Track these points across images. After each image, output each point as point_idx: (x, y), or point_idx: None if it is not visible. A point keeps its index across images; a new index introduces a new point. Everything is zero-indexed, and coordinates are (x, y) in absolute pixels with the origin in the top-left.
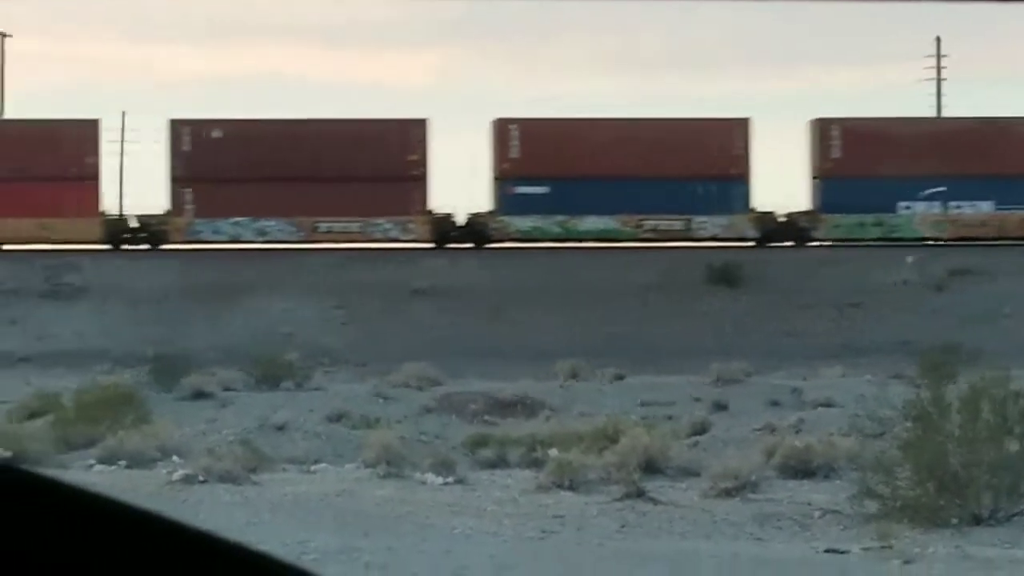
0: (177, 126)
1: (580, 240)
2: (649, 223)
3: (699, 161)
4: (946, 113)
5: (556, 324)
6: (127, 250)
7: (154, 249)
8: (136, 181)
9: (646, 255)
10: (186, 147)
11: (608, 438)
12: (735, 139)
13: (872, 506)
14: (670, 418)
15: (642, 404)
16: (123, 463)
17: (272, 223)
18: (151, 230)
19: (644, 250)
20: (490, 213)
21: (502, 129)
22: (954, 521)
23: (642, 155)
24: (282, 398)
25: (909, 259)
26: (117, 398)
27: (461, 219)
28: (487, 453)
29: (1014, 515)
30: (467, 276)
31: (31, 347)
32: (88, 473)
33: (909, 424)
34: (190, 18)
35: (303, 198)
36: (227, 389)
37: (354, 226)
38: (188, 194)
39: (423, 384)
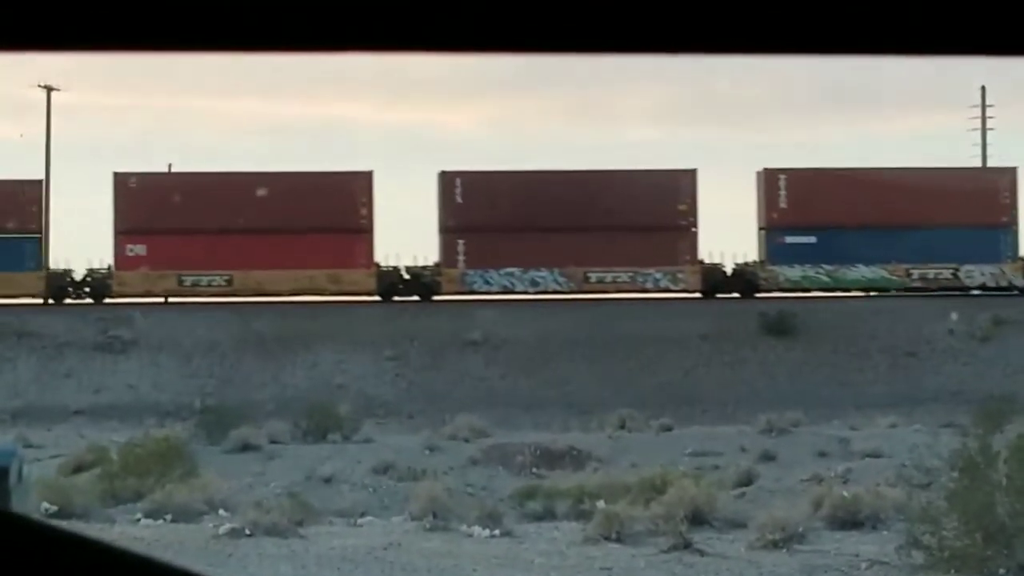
0: (449, 177)
1: (847, 289)
2: (917, 272)
3: (967, 209)
4: None
5: (606, 375)
6: (180, 303)
7: (424, 301)
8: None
9: (698, 304)
10: (458, 198)
11: (655, 489)
12: (1001, 188)
13: (919, 557)
14: (717, 468)
15: (691, 455)
16: (169, 517)
17: (543, 274)
18: (423, 281)
19: (696, 300)
20: (759, 263)
21: (770, 179)
22: (1001, 572)
23: (909, 203)
24: (329, 450)
25: (953, 316)
26: (165, 451)
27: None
28: (534, 505)
29: None
30: (518, 327)
31: (86, 400)
32: (135, 527)
33: (956, 474)
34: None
35: (573, 248)
36: (274, 441)
37: (624, 276)
38: (460, 245)
39: (472, 436)
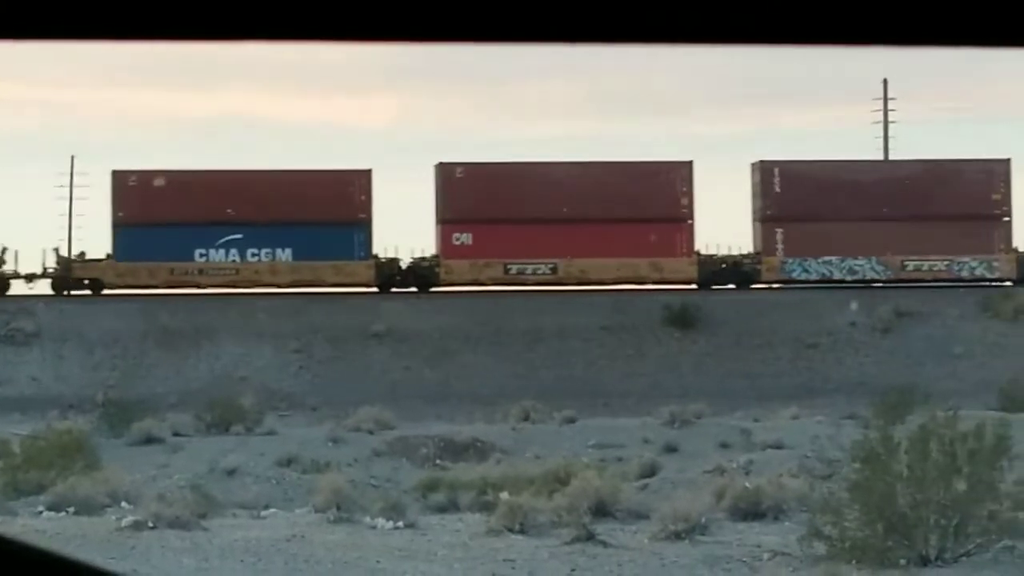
0: (768, 167)
1: None
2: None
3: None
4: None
5: (509, 367)
6: (78, 295)
7: (740, 289)
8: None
9: (599, 297)
10: (777, 188)
11: (559, 481)
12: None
13: (821, 547)
14: (620, 460)
15: (594, 446)
16: (72, 510)
17: (861, 262)
18: (743, 269)
19: (598, 293)
20: None
21: None
22: (902, 562)
23: None
24: (233, 443)
25: (853, 305)
26: (68, 444)
27: None
28: (438, 497)
29: (961, 555)
30: (422, 320)
31: None
32: (37, 520)
33: (857, 465)
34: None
35: (891, 237)
36: (177, 434)
37: (940, 264)
38: (779, 233)
39: (375, 428)
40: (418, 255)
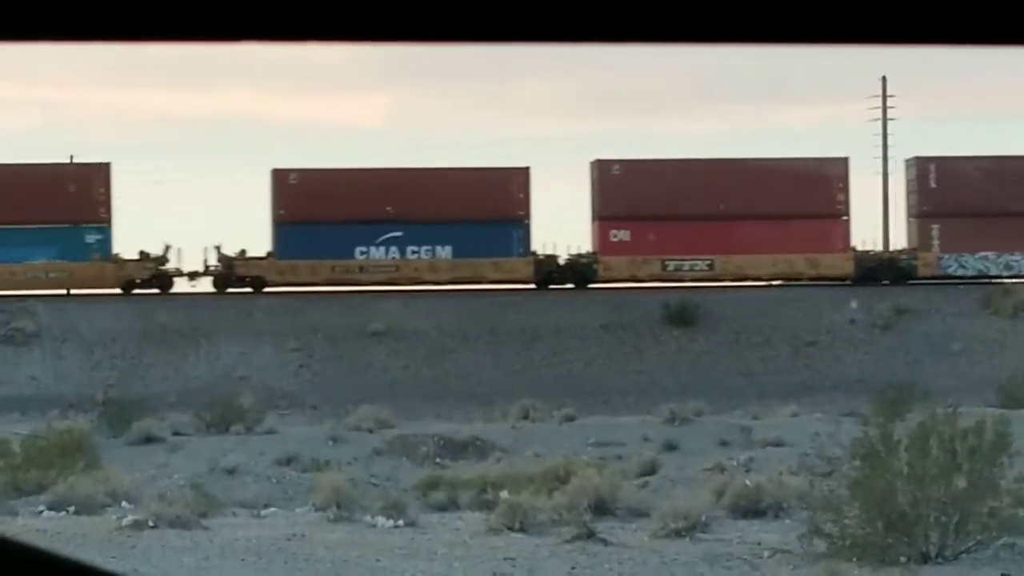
0: (924, 163)
1: None
2: None
3: None
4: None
5: (508, 365)
6: (80, 294)
7: (898, 283)
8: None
9: (598, 295)
10: (932, 184)
11: (559, 479)
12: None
13: (821, 545)
14: (620, 458)
15: (594, 444)
16: (72, 509)
17: (1018, 257)
18: (899, 265)
19: (597, 291)
20: None
21: None
22: (902, 559)
23: None
24: (232, 442)
25: (853, 303)
26: (68, 443)
27: None
28: (438, 495)
29: (961, 553)
30: (420, 319)
31: None
32: (37, 519)
33: (857, 462)
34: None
35: None
36: (178, 433)
37: None
38: (934, 230)
39: (375, 426)
40: (574, 252)
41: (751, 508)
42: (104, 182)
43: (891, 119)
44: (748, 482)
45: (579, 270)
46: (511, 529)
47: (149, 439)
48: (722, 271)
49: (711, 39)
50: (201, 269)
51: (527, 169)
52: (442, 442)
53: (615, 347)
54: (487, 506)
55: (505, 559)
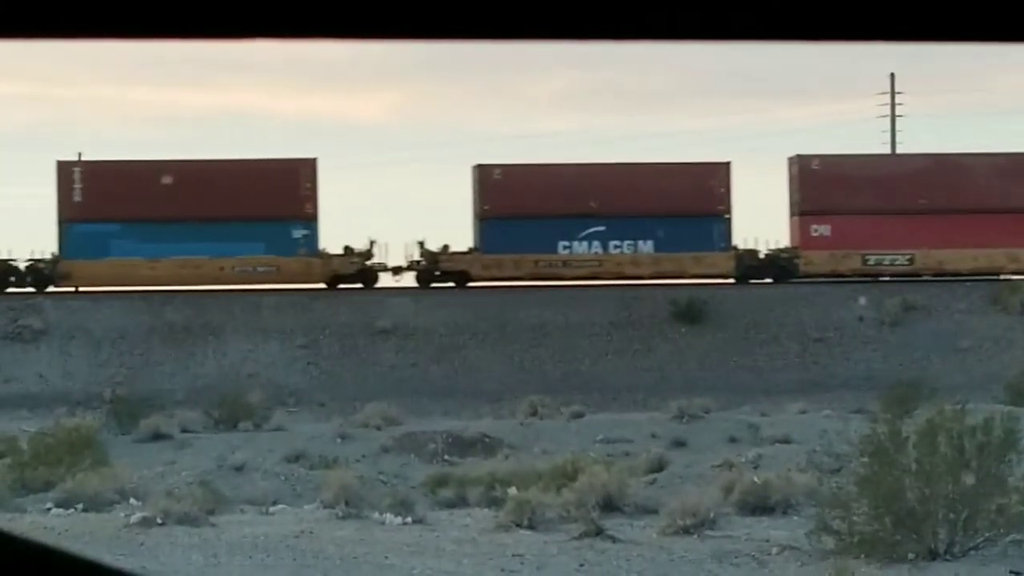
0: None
1: None
2: None
3: None
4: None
5: (516, 362)
6: (87, 292)
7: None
8: None
9: (606, 291)
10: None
11: (567, 476)
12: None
13: (829, 542)
14: (628, 455)
15: (602, 441)
16: (80, 506)
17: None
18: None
19: (608, 287)
20: None
21: None
22: (911, 556)
23: None
24: (240, 439)
25: (862, 300)
26: (76, 440)
27: None
28: (446, 492)
29: (970, 549)
30: (428, 316)
31: None
32: (45, 517)
33: (866, 459)
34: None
35: None
36: (186, 430)
37: None
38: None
39: (383, 424)
40: (774, 246)
41: (759, 505)
42: (311, 177)
43: (899, 116)
44: (756, 479)
45: (780, 264)
46: (519, 526)
47: (157, 436)
48: (922, 265)
49: (717, 37)
50: (404, 264)
51: (728, 164)
52: (450, 439)
53: (623, 344)
54: (495, 503)
55: (513, 556)
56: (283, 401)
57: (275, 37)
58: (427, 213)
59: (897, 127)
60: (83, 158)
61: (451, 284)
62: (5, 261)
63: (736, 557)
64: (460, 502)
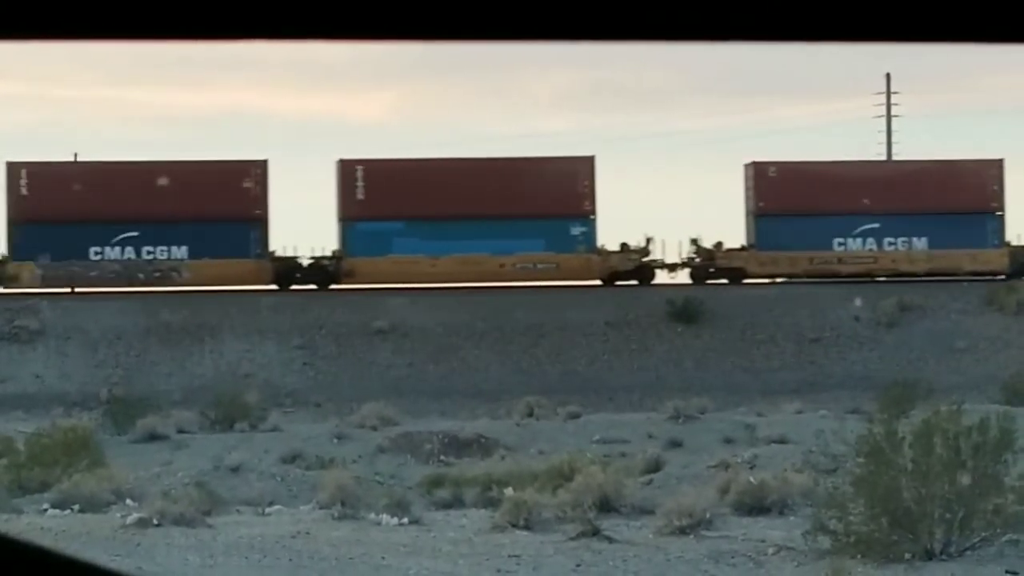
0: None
1: None
2: None
3: None
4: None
5: (513, 362)
6: (82, 292)
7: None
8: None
9: (603, 292)
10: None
11: (563, 476)
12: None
13: (826, 542)
14: (624, 455)
15: (598, 442)
16: (76, 507)
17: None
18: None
19: (602, 288)
20: None
21: None
22: (907, 556)
23: None
24: (237, 439)
25: (858, 301)
26: (72, 441)
27: None
28: (442, 493)
29: (966, 549)
30: (424, 316)
31: None
32: (41, 517)
33: (862, 459)
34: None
35: None
36: (182, 431)
37: None
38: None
39: (380, 424)
40: None
41: (756, 505)
42: (589, 175)
43: (895, 116)
44: (752, 479)
45: None
46: (516, 527)
47: (153, 437)
48: None
49: (715, 37)
50: (679, 261)
51: (1000, 161)
52: (447, 439)
53: (620, 344)
54: (492, 504)
55: (510, 556)
56: (279, 402)
57: (274, 38)
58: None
59: (893, 127)
60: (362, 158)
61: (724, 281)
62: (291, 258)
63: (732, 557)
64: (456, 503)
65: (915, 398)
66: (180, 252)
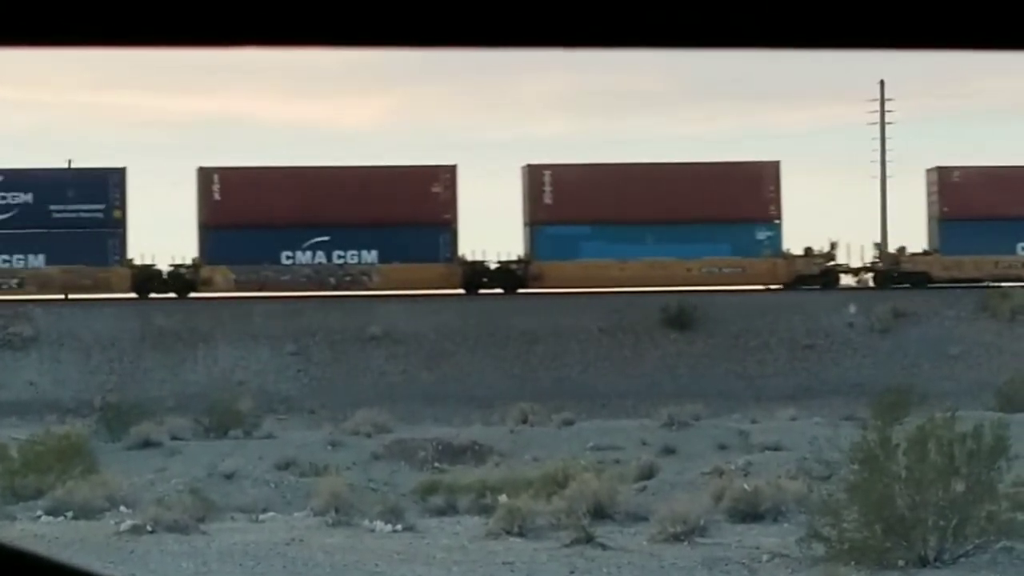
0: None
1: None
2: None
3: None
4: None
5: (507, 369)
6: (76, 299)
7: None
8: None
9: (597, 298)
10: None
11: (557, 483)
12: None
13: (820, 549)
14: (618, 462)
15: (592, 448)
16: (70, 514)
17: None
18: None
19: (598, 294)
20: None
21: None
22: (900, 563)
23: None
24: (231, 446)
25: (852, 308)
26: (66, 448)
27: None
28: (436, 500)
29: (960, 556)
30: (418, 322)
31: None
32: (35, 524)
33: (856, 466)
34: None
35: None
36: (176, 438)
37: None
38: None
39: (374, 431)
40: None
41: (749, 512)
42: (774, 179)
43: (889, 123)
44: (746, 486)
45: None
46: (510, 533)
47: (147, 444)
48: None
49: (710, 44)
50: (863, 265)
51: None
52: (441, 446)
53: (614, 351)
54: (486, 510)
55: (504, 563)
56: (273, 408)
57: (267, 45)
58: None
59: (887, 134)
60: (549, 163)
61: (907, 285)
62: (478, 263)
63: (726, 564)
64: (450, 509)
65: (909, 405)
66: (370, 256)
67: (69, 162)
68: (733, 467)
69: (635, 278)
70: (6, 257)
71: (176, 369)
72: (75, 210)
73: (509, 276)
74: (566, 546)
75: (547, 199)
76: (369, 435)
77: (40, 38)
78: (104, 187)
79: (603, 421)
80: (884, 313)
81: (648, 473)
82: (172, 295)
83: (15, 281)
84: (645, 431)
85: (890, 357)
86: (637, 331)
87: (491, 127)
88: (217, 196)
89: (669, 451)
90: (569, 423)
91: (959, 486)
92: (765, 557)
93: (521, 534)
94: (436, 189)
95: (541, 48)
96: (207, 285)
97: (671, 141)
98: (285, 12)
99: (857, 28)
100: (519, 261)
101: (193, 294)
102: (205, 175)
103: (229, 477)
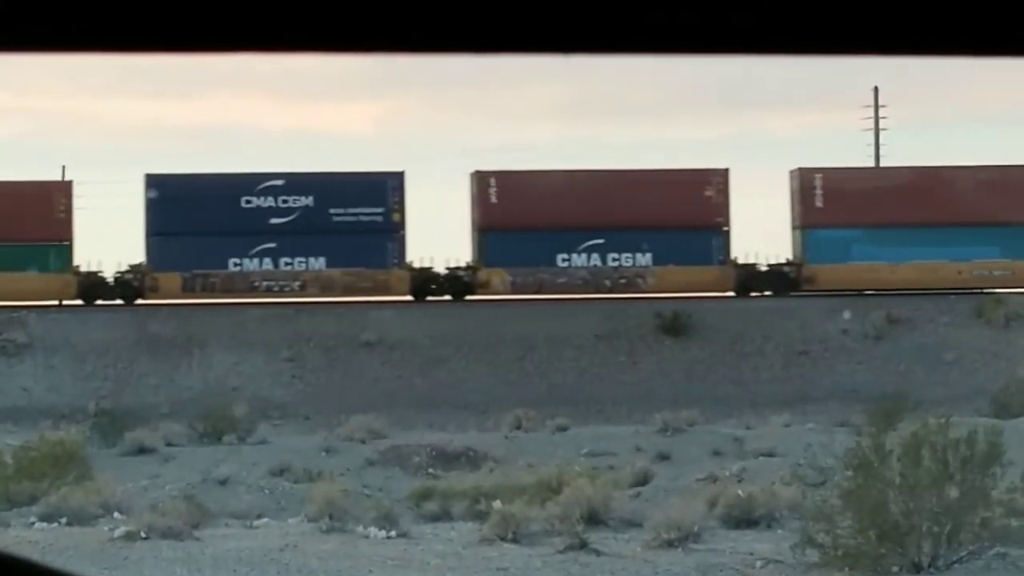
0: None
1: None
2: None
3: None
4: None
5: (501, 375)
6: (69, 305)
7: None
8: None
9: (591, 304)
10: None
11: (551, 489)
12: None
13: (814, 555)
14: (613, 468)
15: (587, 454)
16: (64, 520)
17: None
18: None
19: (592, 300)
20: None
21: None
22: (895, 569)
23: None
24: (225, 452)
25: (846, 313)
26: (60, 454)
27: None
28: (431, 506)
29: (954, 563)
30: (413, 328)
31: None
32: (29, 531)
33: (850, 472)
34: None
35: None
36: (170, 444)
37: None
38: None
39: (368, 437)
40: None
41: (744, 518)
42: None
43: (883, 129)
44: (741, 492)
45: None
46: (504, 539)
47: (141, 450)
48: None
49: (704, 51)
50: None
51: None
52: (435, 452)
53: (608, 357)
54: (480, 516)
55: (498, 569)
56: (268, 414)
57: (263, 50)
58: None
59: (881, 140)
60: (820, 167)
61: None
62: (751, 265)
63: (721, 570)
64: (444, 515)
65: (903, 411)
66: (644, 259)
67: (63, 168)
68: (727, 473)
69: (906, 281)
70: (287, 260)
71: (170, 375)
72: (355, 213)
73: (781, 279)
74: (560, 552)
75: (818, 202)
76: (363, 441)
77: (34, 43)
78: (383, 190)
79: (597, 427)
80: (878, 319)
81: (642, 479)
82: (448, 297)
83: (297, 284)
84: (639, 437)
85: (884, 363)
86: (632, 337)
87: (486, 133)
88: (494, 199)
89: (663, 457)
90: (563, 429)
91: (953, 492)
92: (759, 563)
93: (515, 540)
94: (709, 192)
95: (533, 54)
96: (485, 287)
97: (663, 147)
98: (277, 17)
99: (850, 34)
100: (790, 264)
101: (469, 296)
102: (481, 179)
103: (223, 483)
